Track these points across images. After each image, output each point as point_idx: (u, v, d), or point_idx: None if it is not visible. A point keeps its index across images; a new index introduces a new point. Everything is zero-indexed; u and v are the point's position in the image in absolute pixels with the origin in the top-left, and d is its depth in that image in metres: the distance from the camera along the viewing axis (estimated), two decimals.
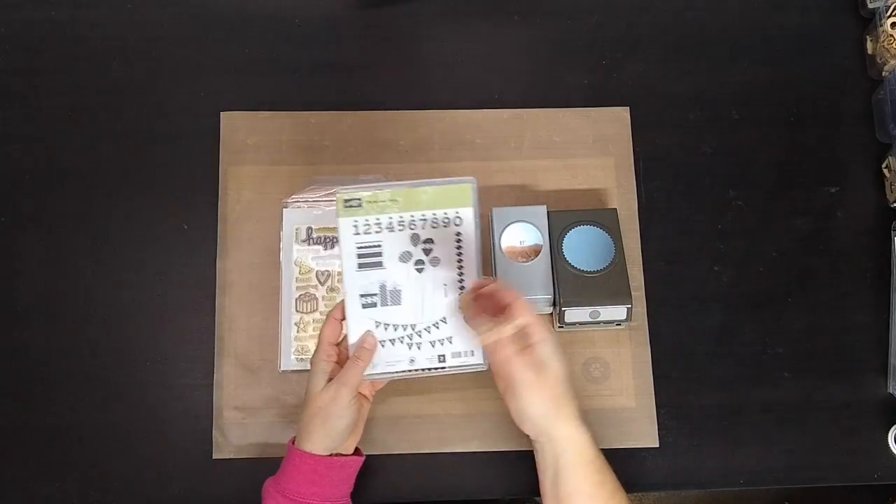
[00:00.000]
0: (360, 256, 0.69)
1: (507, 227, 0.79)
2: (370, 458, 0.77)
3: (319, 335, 0.70)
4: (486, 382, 0.79)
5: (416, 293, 0.69)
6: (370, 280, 0.69)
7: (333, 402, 0.67)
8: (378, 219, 0.69)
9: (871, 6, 0.89)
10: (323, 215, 0.82)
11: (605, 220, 0.79)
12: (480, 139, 0.86)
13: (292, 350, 0.79)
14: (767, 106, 0.88)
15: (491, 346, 0.64)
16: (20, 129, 0.86)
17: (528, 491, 0.77)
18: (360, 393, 0.70)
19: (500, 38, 0.90)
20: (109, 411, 0.79)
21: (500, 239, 0.79)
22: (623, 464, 0.77)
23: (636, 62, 0.90)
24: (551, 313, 0.80)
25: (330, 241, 0.82)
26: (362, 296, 0.69)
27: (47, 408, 0.79)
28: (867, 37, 0.90)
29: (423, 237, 0.69)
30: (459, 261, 0.69)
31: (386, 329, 0.69)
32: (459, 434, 0.78)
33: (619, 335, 0.81)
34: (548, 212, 0.79)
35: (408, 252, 0.69)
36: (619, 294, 0.76)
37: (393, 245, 0.69)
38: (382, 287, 0.69)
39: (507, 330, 0.63)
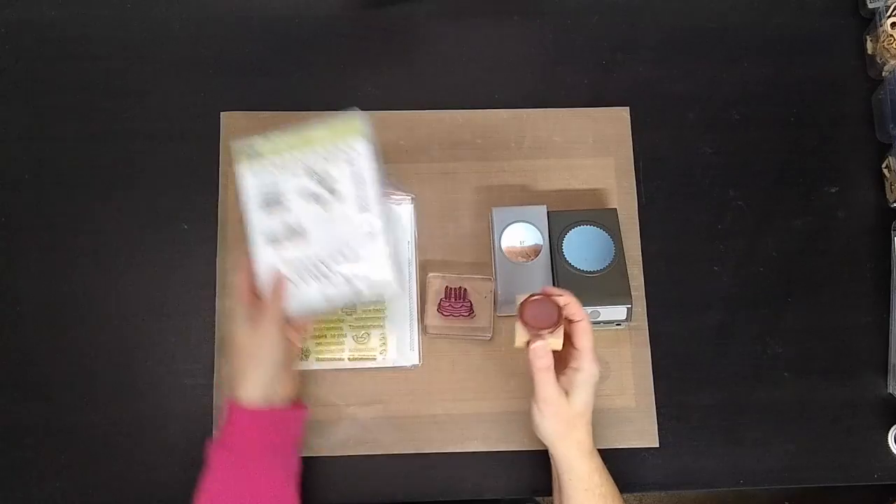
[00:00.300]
0: (260, 199, 0.71)
1: (507, 227, 0.79)
2: (370, 458, 0.77)
3: (235, 286, 0.71)
4: (486, 383, 0.79)
5: (320, 228, 0.70)
6: (273, 219, 0.70)
7: (262, 339, 0.67)
8: (275, 161, 0.71)
9: (871, 6, 0.89)
10: None
11: (605, 220, 0.79)
12: (480, 139, 0.86)
13: None
14: (767, 106, 0.88)
15: (539, 349, 0.65)
16: (20, 129, 0.86)
17: (528, 491, 0.77)
18: (287, 338, 0.71)
19: (500, 38, 0.90)
20: (109, 411, 0.78)
21: (500, 239, 0.79)
22: (623, 464, 0.77)
23: (636, 62, 0.90)
24: None
25: None
26: (267, 235, 0.70)
27: (47, 408, 0.79)
28: (867, 37, 0.90)
29: (321, 173, 0.70)
30: (360, 191, 0.71)
31: (295, 266, 0.70)
32: (459, 434, 0.78)
33: (619, 335, 0.81)
34: (548, 212, 0.79)
35: (308, 189, 0.70)
36: (619, 294, 0.76)
37: (292, 184, 0.71)
38: (286, 225, 0.70)
39: (558, 345, 0.66)
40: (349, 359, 0.80)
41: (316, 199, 0.70)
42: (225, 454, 0.66)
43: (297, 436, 0.71)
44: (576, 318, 0.66)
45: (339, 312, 0.80)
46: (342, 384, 0.79)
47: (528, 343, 0.66)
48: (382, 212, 0.70)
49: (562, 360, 0.68)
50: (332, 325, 0.80)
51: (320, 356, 0.80)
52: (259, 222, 0.71)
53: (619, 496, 0.68)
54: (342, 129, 0.72)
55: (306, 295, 0.70)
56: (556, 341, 0.66)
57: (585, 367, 0.66)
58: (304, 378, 0.79)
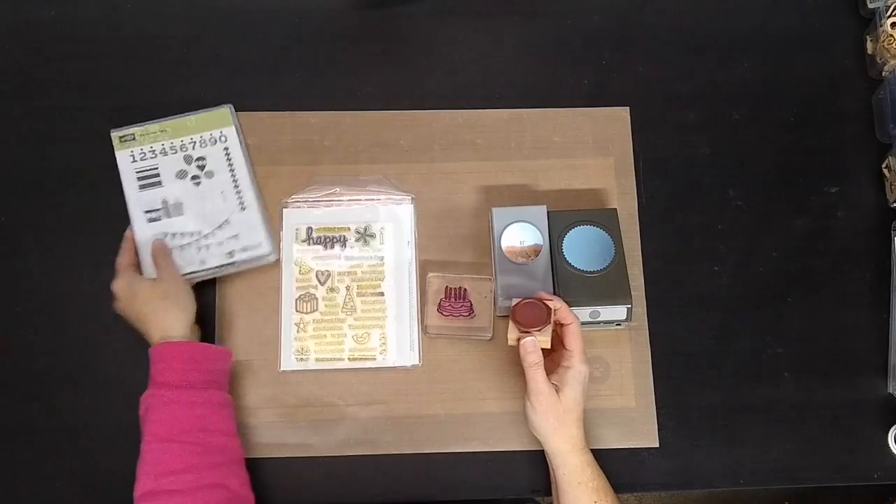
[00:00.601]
0: (139, 179, 0.81)
1: (507, 227, 0.79)
2: (371, 458, 0.77)
3: (116, 265, 0.77)
4: (486, 383, 0.79)
5: (196, 203, 0.80)
6: (152, 197, 0.80)
7: (171, 283, 0.74)
8: (152, 147, 0.82)
9: (871, 6, 0.89)
10: (323, 215, 0.83)
11: (605, 220, 0.79)
12: (480, 139, 0.86)
13: (292, 350, 0.79)
14: (767, 106, 0.88)
15: (528, 344, 0.69)
16: (20, 129, 0.86)
17: (529, 491, 0.77)
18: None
19: (500, 38, 0.90)
20: (110, 411, 0.78)
21: (500, 239, 0.79)
22: (623, 464, 0.77)
23: (636, 62, 0.90)
24: None
25: (330, 241, 0.82)
26: (147, 212, 0.80)
27: (47, 408, 0.79)
28: (867, 37, 0.90)
29: (195, 156, 0.81)
30: (231, 171, 0.81)
31: (174, 238, 0.79)
32: (459, 434, 0.78)
33: (619, 335, 0.81)
34: (548, 212, 0.79)
35: (183, 170, 0.81)
36: (619, 294, 0.76)
37: (169, 166, 0.81)
38: (164, 202, 0.80)
39: (546, 342, 0.69)
40: (349, 358, 0.80)
41: (192, 179, 0.81)
42: (160, 393, 0.68)
43: (226, 372, 0.74)
44: (566, 321, 0.71)
45: (339, 312, 0.80)
46: (342, 384, 0.79)
47: (518, 340, 0.70)
48: (254, 188, 0.81)
49: (554, 362, 0.71)
50: (331, 325, 0.80)
51: (320, 356, 0.79)
52: (140, 199, 0.80)
53: (611, 492, 0.69)
54: (214, 120, 0.83)
55: (184, 262, 0.78)
56: (545, 339, 0.69)
57: (575, 366, 0.69)
58: (304, 378, 0.79)
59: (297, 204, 0.83)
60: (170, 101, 0.86)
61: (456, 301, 0.79)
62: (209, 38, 0.89)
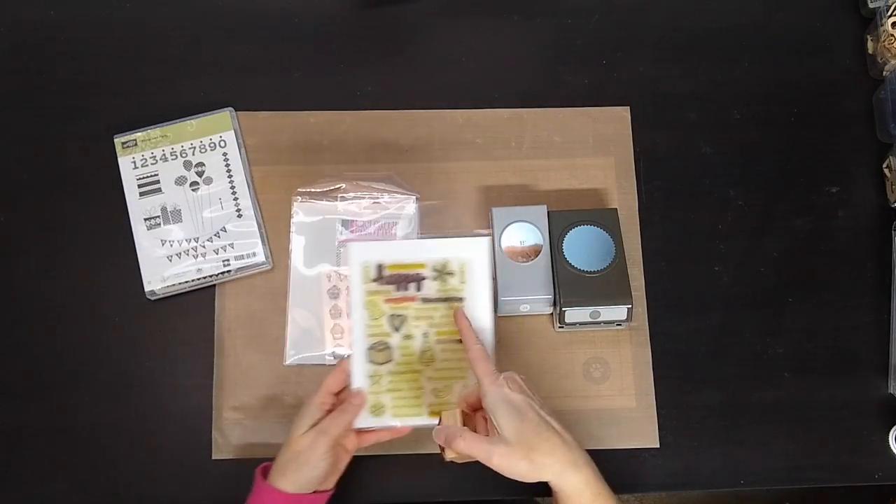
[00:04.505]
0: (140, 186, 0.82)
1: (507, 227, 0.79)
2: (371, 459, 0.77)
3: (323, 382, 0.70)
4: None
5: (194, 210, 0.81)
6: (152, 204, 0.81)
7: (310, 449, 0.67)
8: (153, 153, 0.82)
9: (871, 6, 0.89)
10: (393, 250, 0.73)
11: (605, 220, 0.79)
12: (480, 139, 0.86)
13: (368, 405, 0.71)
14: (767, 106, 0.88)
15: (439, 434, 0.65)
16: (20, 129, 0.86)
17: (528, 491, 0.77)
18: (340, 444, 0.70)
19: (500, 38, 0.90)
20: (109, 412, 0.78)
21: (500, 239, 0.78)
22: (623, 464, 0.77)
23: (636, 62, 0.90)
24: (551, 313, 0.80)
25: (404, 281, 0.72)
26: (146, 219, 0.80)
27: (47, 408, 0.79)
28: (868, 36, 0.90)
29: (194, 162, 0.82)
30: (230, 177, 0.82)
31: (171, 245, 0.79)
32: None
33: (620, 335, 0.81)
34: (548, 212, 0.79)
35: (183, 176, 0.82)
36: (619, 294, 0.76)
37: (168, 172, 0.82)
38: (163, 209, 0.81)
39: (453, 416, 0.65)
40: (430, 413, 0.71)
41: (191, 185, 0.82)
42: None
43: None
44: (469, 353, 0.67)
45: (416, 363, 0.72)
46: None
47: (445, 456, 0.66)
48: (251, 195, 0.82)
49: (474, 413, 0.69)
50: (408, 378, 0.72)
51: (398, 412, 0.71)
52: (141, 206, 0.81)
53: (614, 498, 0.65)
54: (214, 124, 0.83)
55: (181, 269, 0.79)
56: (449, 415, 0.66)
57: (486, 392, 0.64)
58: (304, 378, 0.79)
59: (309, 198, 0.82)
60: (170, 100, 0.86)
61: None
62: (209, 38, 0.89)
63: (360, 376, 0.71)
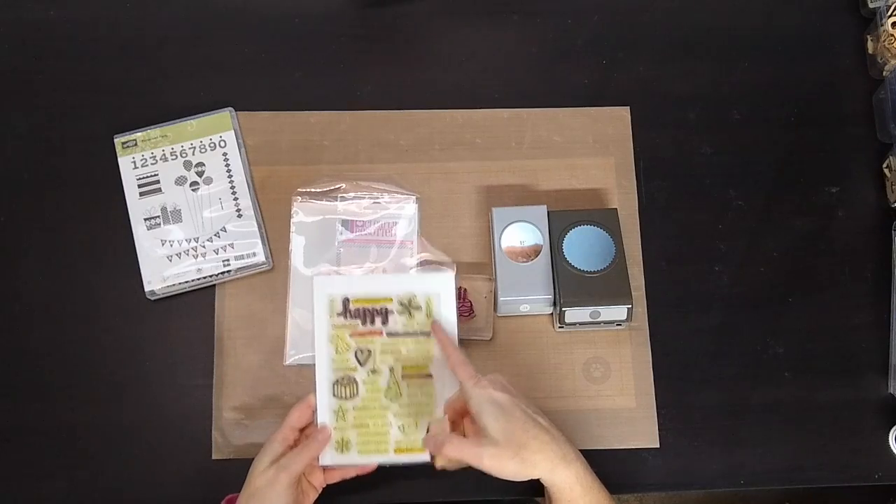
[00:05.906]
0: (140, 186, 0.81)
1: (507, 227, 0.79)
2: None
3: (287, 416, 0.69)
4: None
5: (194, 210, 0.80)
6: (152, 204, 0.81)
7: (270, 486, 0.65)
8: (153, 153, 0.82)
9: (871, 6, 0.89)
10: (360, 284, 0.73)
11: (606, 220, 0.79)
12: (480, 139, 0.86)
13: (332, 441, 0.70)
14: (767, 106, 0.88)
15: (428, 442, 0.67)
16: (20, 129, 0.86)
17: (529, 491, 0.77)
18: (307, 480, 0.70)
19: (500, 38, 0.90)
20: (109, 411, 0.78)
21: (500, 239, 0.78)
22: (623, 464, 0.77)
23: (636, 62, 0.90)
24: (551, 313, 0.80)
25: (370, 315, 0.72)
26: (147, 219, 0.80)
27: (47, 408, 0.79)
28: (868, 36, 0.90)
29: (194, 162, 0.82)
30: (230, 177, 0.82)
31: (171, 245, 0.79)
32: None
33: (620, 335, 0.81)
34: (548, 212, 0.79)
35: (183, 176, 0.81)
36: (619, 294, 0.76)
37: (168, 172, 0.82)
38: (163, 209, 0.80)
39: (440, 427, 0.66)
40: (396, 451, 0.71)
41: (191, 185, 0.81)
42: None
43: None
44: (449, 360, 0.68)
45: (382, 398, 0.71)
46: None
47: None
48: (250, 195, 0.81)
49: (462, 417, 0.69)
50: (374, 413, 0.71)
51: (363, 448, 0.71)
52: (141, 206, 0.81)
53: (608, 495, 0.66)
54: (214, 124, 0.83)
55: (181, 270, 0.78)
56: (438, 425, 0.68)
57: (470, 395, 0.64)
58: (304, 379, 0.79)
59: (309, 200, 0.82)
60: (170, 100, 0.86)
61: (456, 301, 0.79)
62: (209, 38, 0.89)
63: (324, 411, 0.70)
